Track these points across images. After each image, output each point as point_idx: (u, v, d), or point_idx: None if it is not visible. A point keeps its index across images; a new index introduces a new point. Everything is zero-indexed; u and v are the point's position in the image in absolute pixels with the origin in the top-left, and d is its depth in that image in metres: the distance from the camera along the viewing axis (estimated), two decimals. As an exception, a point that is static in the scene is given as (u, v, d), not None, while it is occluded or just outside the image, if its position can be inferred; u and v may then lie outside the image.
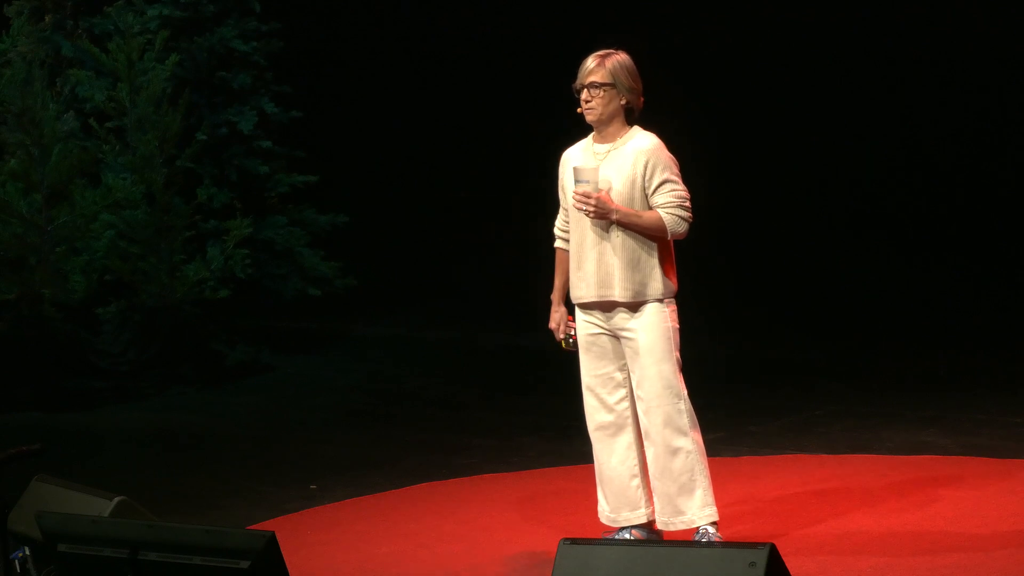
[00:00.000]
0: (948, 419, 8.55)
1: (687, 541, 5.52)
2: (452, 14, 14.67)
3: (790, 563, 3.65)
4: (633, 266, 5.75)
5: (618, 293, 5.77)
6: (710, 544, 4.87)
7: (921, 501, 6.64)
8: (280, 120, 12.48)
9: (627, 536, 5.91)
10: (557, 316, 6.00)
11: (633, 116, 5.86)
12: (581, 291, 5.87)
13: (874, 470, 7.34)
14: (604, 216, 5.69)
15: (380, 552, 6.39)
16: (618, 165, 5.78)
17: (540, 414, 9.36)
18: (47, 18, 12.31)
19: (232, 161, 12.26)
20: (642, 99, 5.87)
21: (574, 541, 3.68)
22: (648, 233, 5.74)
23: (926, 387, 9.74)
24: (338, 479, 7.92)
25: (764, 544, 3.45)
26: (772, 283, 13.14)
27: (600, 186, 5.70)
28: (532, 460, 8.15)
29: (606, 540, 4.91)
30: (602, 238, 5.77)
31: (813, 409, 9.12)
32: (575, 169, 5.72)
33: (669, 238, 5.79)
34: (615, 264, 5.75)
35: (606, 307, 5.83)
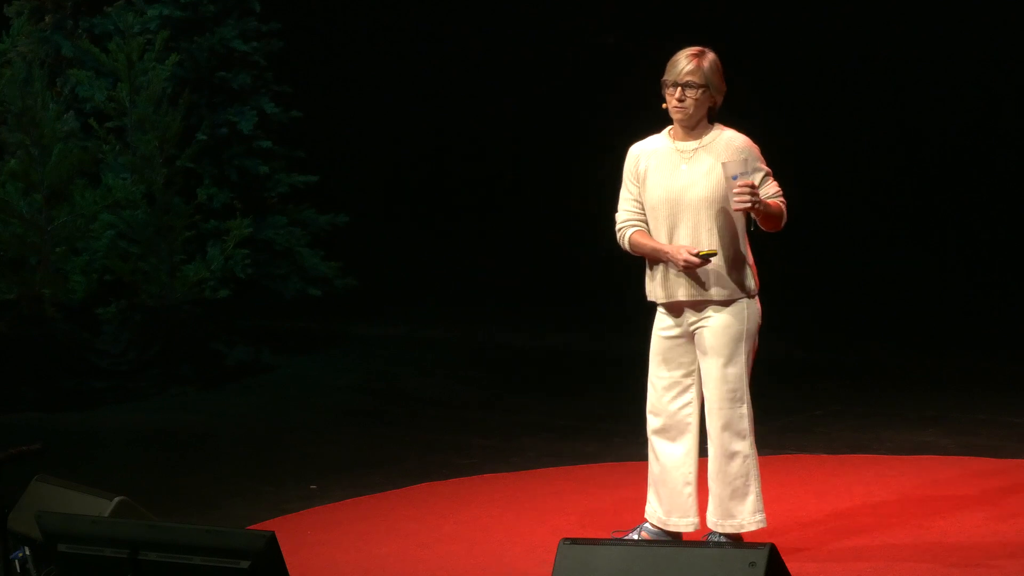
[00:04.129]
0: (948, 419, 8.55)
1: (687, 541, 5.51)
2: (452, 14, 14.67)
3: (790, 563, 3.65)
4: (730, 264, 5.76)
5: (715, 292, 5.75)
6: (709, 544, 4.86)
7: (921, 501, 6.64)
8: (280, 120, 12.47)
9: (635, 537, 5.89)
10: (683, 248, 5.70)
11: (714, 114, 5.87)
12: (672, 290, 5.78)
13: (874, 470, 7.34)
14: (755, 207, 5.67)
15: (380, 552, 6.39)
16: (715, 162, 5.76)
17: (540, 414, 9.36)
18: (47, 18, 12.31)
19: (232, 161, 12.25)
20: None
21: (574, 541, 3.67)
22: (772, 222, 5.79)
23: (926, 387, 9.74)
24: (338, 479, 7.91)
25: (764, 544, 3.45)
26: (772, 283, 13.09)
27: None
28: (532, 460, 8.14)
29: (606, 540, 4.90)
30: (697, 237, 5.73)
31: (813, 409, 9.12)
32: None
33: (782, 225, 5.83)
34: (713, 262, 5.73)
35: (698, 306, 5.78)
